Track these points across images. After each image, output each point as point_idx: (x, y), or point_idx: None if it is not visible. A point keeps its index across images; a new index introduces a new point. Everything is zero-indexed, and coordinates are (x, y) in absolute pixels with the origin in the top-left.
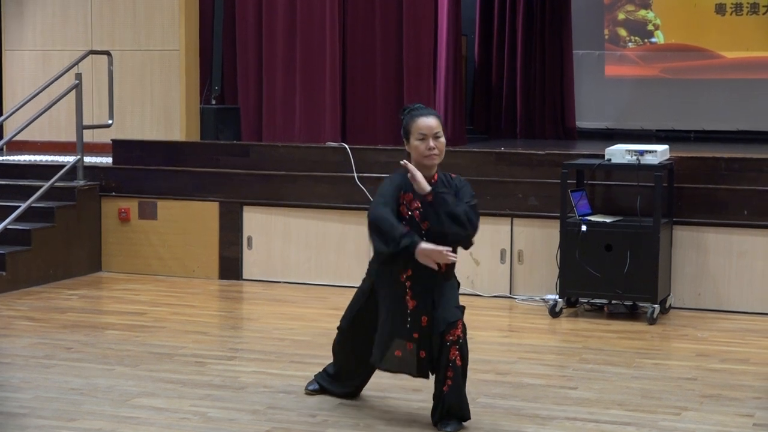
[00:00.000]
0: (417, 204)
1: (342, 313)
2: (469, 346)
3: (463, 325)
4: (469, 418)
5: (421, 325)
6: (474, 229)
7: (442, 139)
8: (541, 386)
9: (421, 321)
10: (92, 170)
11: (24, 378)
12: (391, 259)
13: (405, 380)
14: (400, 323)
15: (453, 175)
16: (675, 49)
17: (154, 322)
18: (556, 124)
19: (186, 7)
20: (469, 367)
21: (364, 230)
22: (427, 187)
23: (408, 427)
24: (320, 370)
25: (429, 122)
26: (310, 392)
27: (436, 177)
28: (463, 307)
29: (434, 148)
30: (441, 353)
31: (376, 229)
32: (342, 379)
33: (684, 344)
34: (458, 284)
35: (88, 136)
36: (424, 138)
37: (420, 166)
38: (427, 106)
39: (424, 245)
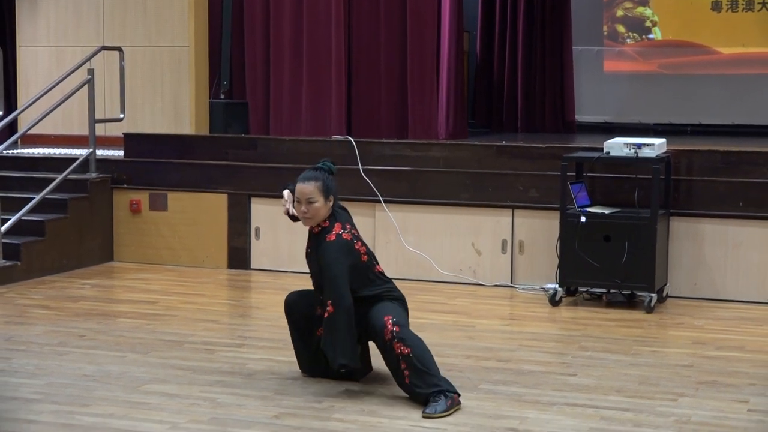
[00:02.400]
0: (309, 244)
1: None
2: (471, 334)
3: (394, 321)
4: (455, 392)
5: None
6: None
7: (316, 204)
8: (542, 373)
9: None
10: (104, 163)
11: (38, 365)
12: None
13: None
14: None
15: (330, 238)
16: (672, 45)
17: (165, 311)
18: (556, 118)
19: (195, 4)
20: (471, 354)
21: (367, 221)
22: None
23: (411, 413)
24: None
25: (303, 188)
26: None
27: (317, 230)
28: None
29: (306, 212)
30: (389, 355)
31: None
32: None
33: (681, 332)
34: (397, 301)
35: (100, 130)
36: (299, 202)
37: None
38: (321, 166)
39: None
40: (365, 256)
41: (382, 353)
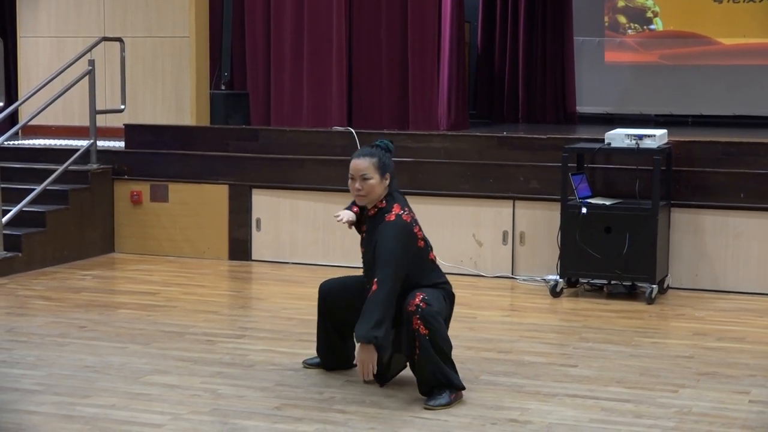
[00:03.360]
0: (363, 229)
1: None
2: (472, 325)
3: (425, 299)
4: (461, 387)
5: None
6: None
7: (371, 181)
8: (542, 364)
9: None
10: (105, 154)
11: (39, 356)
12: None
13: None
14: None
15: (390, 218)
16: (673, 35)
17: (166, 302)
18: (557, 109)
19: None
20: (472, 345)
21: None
22: None
23: (412, 404)
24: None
25: (357, 164)
26: (309, 365)
27: (373, 211)
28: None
29: (360, 190)
30: (407, 327)
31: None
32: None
33: (681, 323)
34: (443, 291)
35: (101, 121)
36: (352, 178)
37: None
38: (378, 143)
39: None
40: (422, 242)
41: (403, 325)
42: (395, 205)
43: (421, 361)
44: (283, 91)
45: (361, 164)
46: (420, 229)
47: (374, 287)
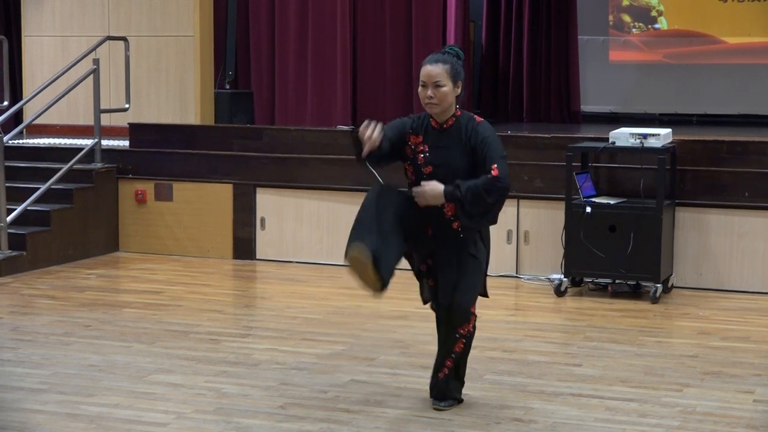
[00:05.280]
0: (424, 147)
1: (348, 293)
2: (476, 323)
3: (475, 316)
4: (461, 400)
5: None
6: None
7: (444, 88)
8: (547, 363)
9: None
10: (109, 153)
11: (44, 355)
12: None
13: (414, 357)
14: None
15: (478, 119)
16: (678, 34)
17: (170, 301)
18: (561, 108)
19: None
20: (476, 344)
21: None
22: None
23: (417, 404)
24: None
25: (429, 70)
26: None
27: (451, 121)
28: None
29: (432, 97)
30: (447, 340)
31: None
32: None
33: (686, 323)
34: (487, 252)
35: (106, 120)
36: (424, 86)
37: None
38: (448, 50)
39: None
40: None
41: (445, 318)
42: (473, 114)
43: (445, 379)
44: (287, 90)
45: (435, 70)
46: None
47: (494, 172)
